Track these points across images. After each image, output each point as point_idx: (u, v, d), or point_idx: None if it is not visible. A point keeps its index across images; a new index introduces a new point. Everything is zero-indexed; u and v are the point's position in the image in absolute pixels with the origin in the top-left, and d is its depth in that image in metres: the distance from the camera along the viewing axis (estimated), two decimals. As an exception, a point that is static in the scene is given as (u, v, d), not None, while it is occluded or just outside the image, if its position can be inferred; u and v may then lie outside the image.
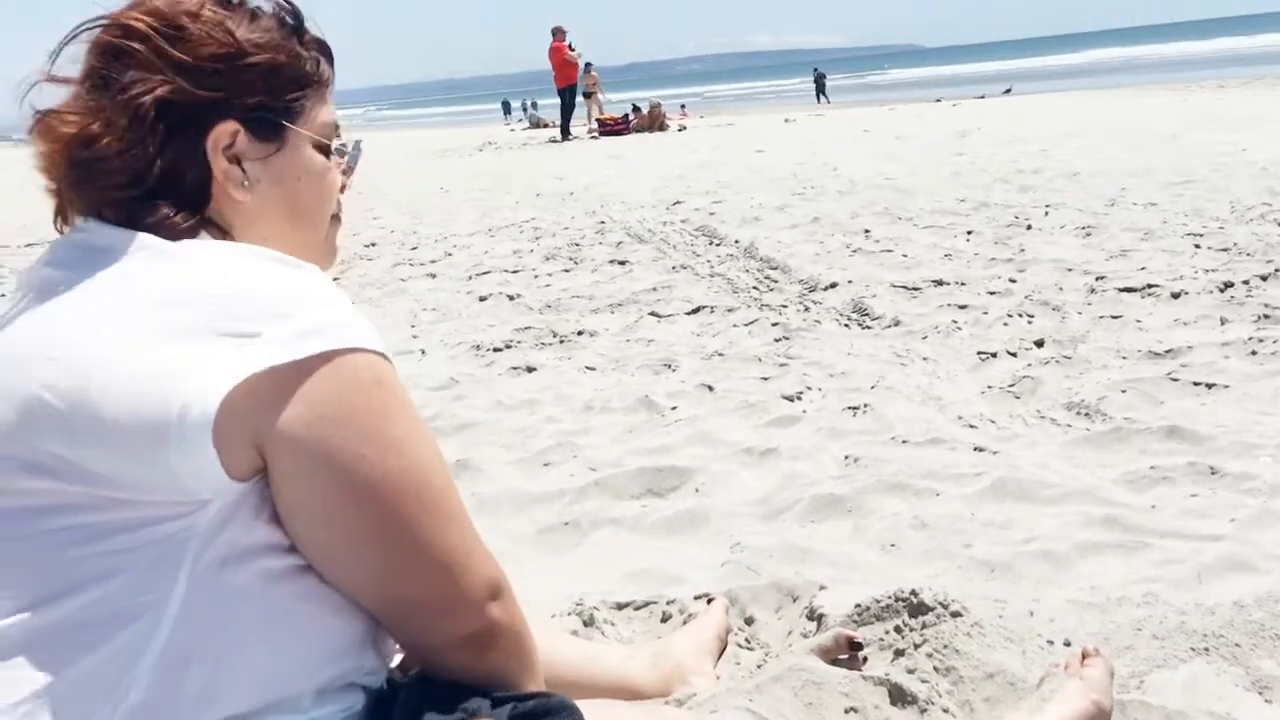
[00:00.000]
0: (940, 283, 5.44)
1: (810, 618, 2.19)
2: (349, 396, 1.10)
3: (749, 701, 1.76)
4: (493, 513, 2.92)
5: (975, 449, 3.16)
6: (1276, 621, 2.07)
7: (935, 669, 1.91)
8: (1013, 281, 5.36)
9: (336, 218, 1.39)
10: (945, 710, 1.83)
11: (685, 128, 24.15)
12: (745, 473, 3.15)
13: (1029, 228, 6.86)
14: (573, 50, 22.73)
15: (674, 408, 3.77)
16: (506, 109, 49.94)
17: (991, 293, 5.17)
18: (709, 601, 2.26)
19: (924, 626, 2.01)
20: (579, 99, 23.72)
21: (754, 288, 5.78)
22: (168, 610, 1.06)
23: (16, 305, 1.18)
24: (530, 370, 4.44)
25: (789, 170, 11.73)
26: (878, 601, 2.10)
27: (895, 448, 3.22)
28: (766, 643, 2.19)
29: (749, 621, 2.26)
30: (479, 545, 1.21)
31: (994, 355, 4.16)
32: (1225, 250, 5.62)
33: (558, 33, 22.63)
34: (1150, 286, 4.96)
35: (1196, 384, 3.61)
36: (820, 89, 42.69)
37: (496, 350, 4.81)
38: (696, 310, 5.32)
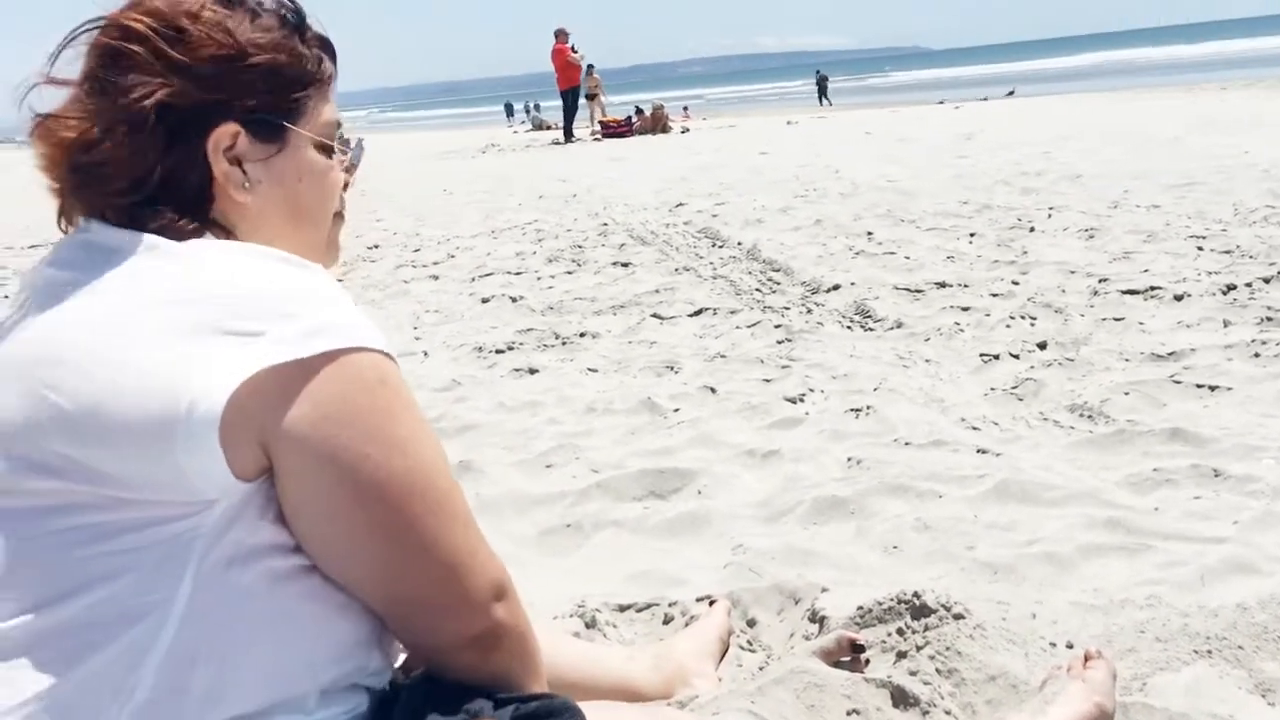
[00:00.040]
0: (943, 285, 5.44)
1: (812, 620, 2.19)
2: (354, 395, 1.10)
3: (751, 704, 1.76)
4: (494, 514, 2.92)
5: (978, 451, 3.16)
6: (1279, 624, 2.07)
7: (937, 671, 1.91)
8: (1015, 284, 5.36)
9: (340, 215, 1.39)
10: (947, 713, 1.82)
11: (688, 130, 24.15)
12: (747, 475, 3.15)
13: (1032, 230, 6.86)
14: (575, 52, 22.74)
15: (676, 409, 3.77)
16: (509, 111, 49.93)
17: (994, 295, 5.17)
18: (711, 603, 2.26)
19: (926, 629, 2.01)
20: (581, 101, 23.74)
21: (756, 290, 5.78)
22: (174, 610, 1.06)
23: (22, 306, 1.18)
24: (532, 372, 4.44)
25: (792, 172, 11.73)
26: (880, 604, 2.10)
27: (898, 450, 3.22)
28: (768, 645, 2.19)
29: (751, 623, 2.26)
30: (483, 546, 1.21)
31: (996, 357, 4.15)
32: (1228, 253, 5.62)
33: (560, 35, 22.64)
34: (1153, 289, 4.96)
35: (1199, 386, 3.60)
36: (822, 91, 42.68)
37: (499, 352, 4.81)
38: (699, 312, 5.32)
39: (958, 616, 2.01)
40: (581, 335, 5.01)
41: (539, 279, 6.59)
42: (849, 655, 1.98)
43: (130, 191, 1.18)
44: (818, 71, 47.24)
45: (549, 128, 29.18)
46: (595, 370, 4.42)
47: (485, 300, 6.03)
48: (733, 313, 5.25)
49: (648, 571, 2.57)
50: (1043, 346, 4.24)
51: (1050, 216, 7.30)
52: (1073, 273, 5.48)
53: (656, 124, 23.58)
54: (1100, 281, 5.21)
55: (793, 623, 2.23)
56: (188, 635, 1.07)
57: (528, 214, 9.91)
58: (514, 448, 3.52)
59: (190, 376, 1.04)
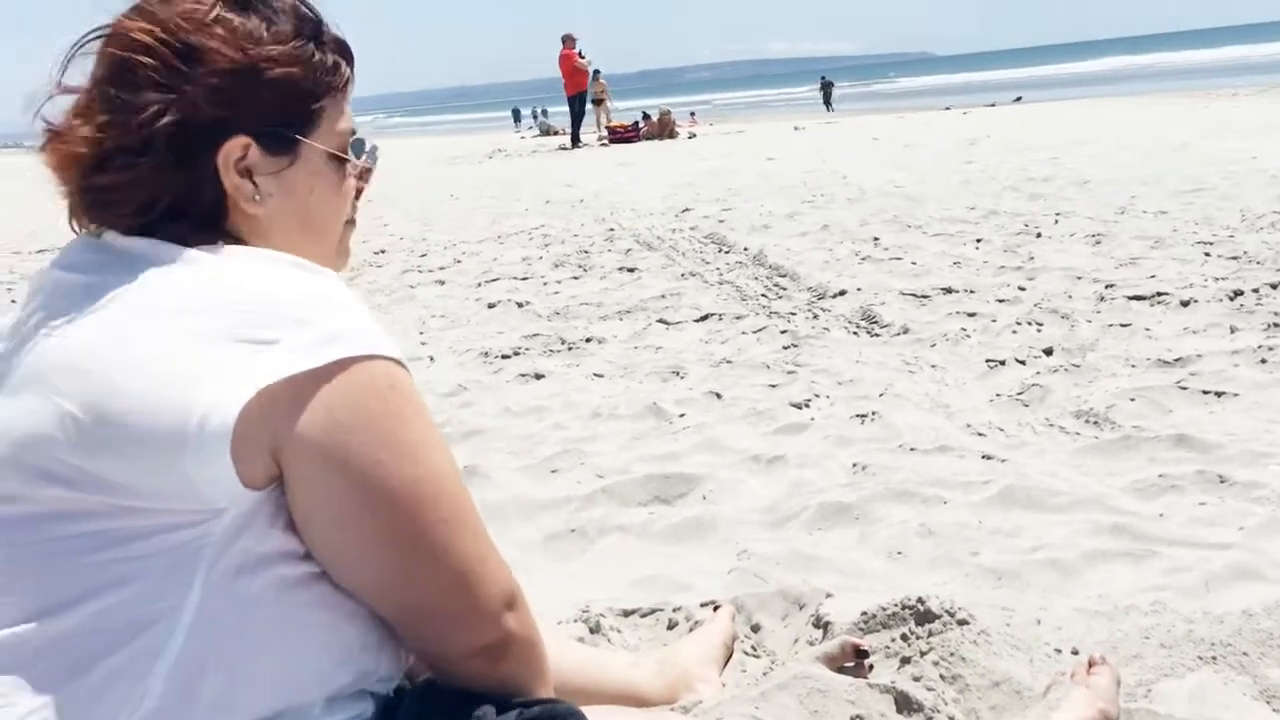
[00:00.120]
0: (949, 290, 5.44)
1: (817, 625, 2.19)
2: (366, 403, 1.09)
3: (754, 709, 1.76)
4: (500, 519, 2.92)
5: (983, 457, 3.16)
6: (1285, 630, 2.06)
7: (941, 677, 1.91)
8: (1022, 289, 5.35)
9: (351, 222, 1.37)
10: (951, 718, 1.82)
11: (695, 135, 24.18)
12: (753, 480, 3.15)
13: (1039, 236, 6.85)
14: (582, 58, 22.79)
15: (682, 415, 3.77)
16: (516, 116, 50.04)
17: (1000, 300, 5.16)
18: (715, 609, 2.25)
19: (930, 634, 2.00)
20: (588, 106, 23.77)
21: (763, 295, 5.78)
22: (182, 618, 1.06)
23: (32, 310, 1.16)
24: (538, 377, 4.45)
25: (799, 178, 11.74)
26: (884, 609, 2.09)
27: (903, 455, 3.21)
28: (773, 650, 2.19)
29: (755, 629, 2.26)
30: (494, 554, 1.21)
31: (1003, 363, 4.15)
32: (1235, 258, 5.61)
33: (567, 40, 22.70)
34: (1160, 295, 4.95)
35: (1205, 392, 3.60)
36: (827, 97, 42.69)
37: (505, 357, 4.82)
38: (705, 317, 5.32)
39: (962, 622, 2.00)
40: (587, 340, 5.01)
41: (545, 284, 6.60)
42: (853, 661, 1.98)
43: (142, 213, 1.17)
44: (823, 77, 47.26)
45: (556, 133, 29.24)
46: (601, 375, 4.42)
47: (491, 305, 6.04)
48: (739, 318, 5.25)
49: (652, 577, 2.57)
50: (1049, 352, 4.24)
51: (1057, 222, 7.29)
52: (1079, 278, 5.47)
53: (663, 129, 23.61)
54: (1107, 287, 5.20)
55: (797, 628, 2.23)
56: (196, 643, 1.06)
57: (534, 219, 9.92)
58: (519, 453, 3.53)
59: (201, 388, 1.04)
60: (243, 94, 1.18)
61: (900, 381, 3.99)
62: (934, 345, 4.52)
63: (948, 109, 29.37)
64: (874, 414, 3.59)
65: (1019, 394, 3.78)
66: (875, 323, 4.95)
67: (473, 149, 25.35)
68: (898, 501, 2.86)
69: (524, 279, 6.82)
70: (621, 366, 4.53)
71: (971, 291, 5.39)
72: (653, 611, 2.35)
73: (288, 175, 1.24)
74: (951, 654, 1.94)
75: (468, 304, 6.19)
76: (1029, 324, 4.67)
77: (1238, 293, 4.85)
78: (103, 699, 1.05)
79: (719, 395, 3.96)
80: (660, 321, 5.31)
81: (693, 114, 33.20)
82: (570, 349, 4.89)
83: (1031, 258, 6.13)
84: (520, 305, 5.95)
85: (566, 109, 23.61)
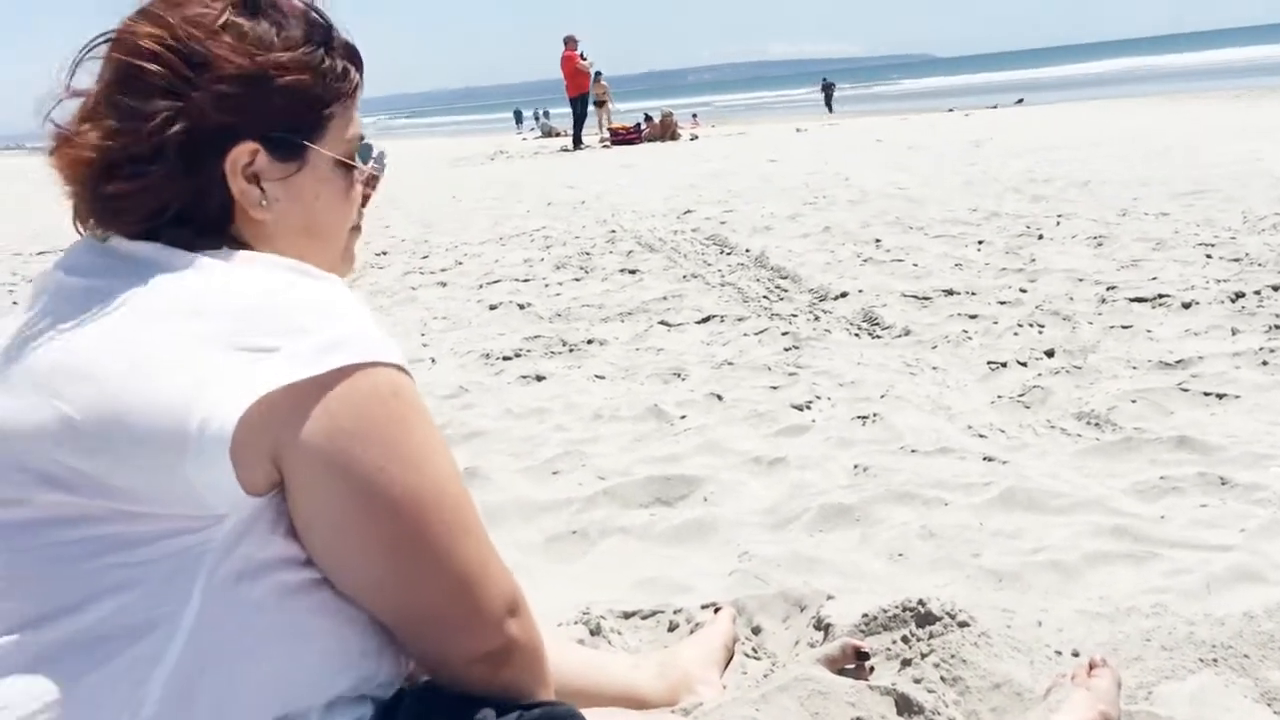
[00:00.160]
0: (951, 292, 5.44)
1: (817, 627, 2.19)
2: (369, 410, 1.09)
3: (755, 711, 1.76)
4: (501, 521, 2.92)
5: (984, 458, 3.16)
6: (1286, 633, 2.06)
7: (942, 679, 1.91)
8: (1023, 291, 5.35)
9: (356, 228, 1.37)
10: (952, 720, 1.82)
11: (697, 137, 24.20)
12: (754, 482, 3.15)
13: (1040, 237, 6.85)
14: (584, 59, 22.81)
15: (683, 416, 3.78)
16: (519, 118, 50.07)
17: (1002, 302, 5.16)
18: (716, 611, 2.26)
19: (931, 636, 2.00)
20: (590, 108, 23.78)
21: (764, 297, 5.78)
22: (182, 624, 1.06)
23: (33, 311, 1.16)
24: (540, 379, 4.45)
25: (800, 180, 11.74)
26: (885, 611, 2.09)
27: (904, 457, 3.21)
28: (773, 652, 2.19)
29: (756, 631, 2.26)
30: (496, 561, 1.20)
31: (1004, 365, 4.15)
32: (1237, 260, 5.61)
33: (569, 42, 22.72)
34: (1161, 296, 4.95)
35: (1207, 394, 3.60)
36: (828, 99, 42.72)
37: (506, 359, 4.82)
38: (706, 319, 5.32)
39: (963, 624, 2.00)
40: (589, 342, 5.01)
41: (547, 286, 6.60)
42: (854, 663, 1.98)
43: (150, 220, 1.16)
44: (824, 79, 47.30)
45: (558, 135, 29.25)
46: (602, 377, 4.43)
47: (493, 307, 6.04)
48: (740, 320, 5.25)
49: (653, 578, 2.57)
50: (1050, 354, 4.24)
51: (1059, 224, 7.29)
52: (1081, 280, 5.47)
53: (665, 131, 23.63)
54: (1108, 289, 5.20)
55: (798, 630, 2.23)
56: (196, 649, 1.06)
57: (536, 221, 9.92)
58: (521, 454, 3.53)
59: (202, 393, 1.03)
60: (251, 100, 1.17)
61: (901, 383, 3.99)
62: (935, 347, 4.52)
63: (950, 111, 29.37)
64: (875, 416, 3.59)
65: (1020, 396, 3.78)
66: (877, 324, 4.95)
67: (475, 150, 25.36)
68: (899, 503, 2.86)
69: (526, 281, 6.83)
70: (623, 368, 4.53)
71: (973, 293, 5.39)
72: (654, 613, 2.35)
73: (295, 181, 1.23)
74: (952, 656, 1.94)
75: (469, 306, 6.19)
76: (1030, 326, 4.67)
77: (1239, 295, 4.84)
78: (101, 705, 1.05)
79: (720, 397, 3.96)
80: (662, 323, 5.31)
81: (694, 116, 33.22)
82: (572, 351, 4.89)
83: (1033, 260, 6.13)
84: (522, 307, 5.95)
85: (568, 110, 23.62)
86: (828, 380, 4.08)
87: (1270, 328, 4.33)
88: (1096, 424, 3.43)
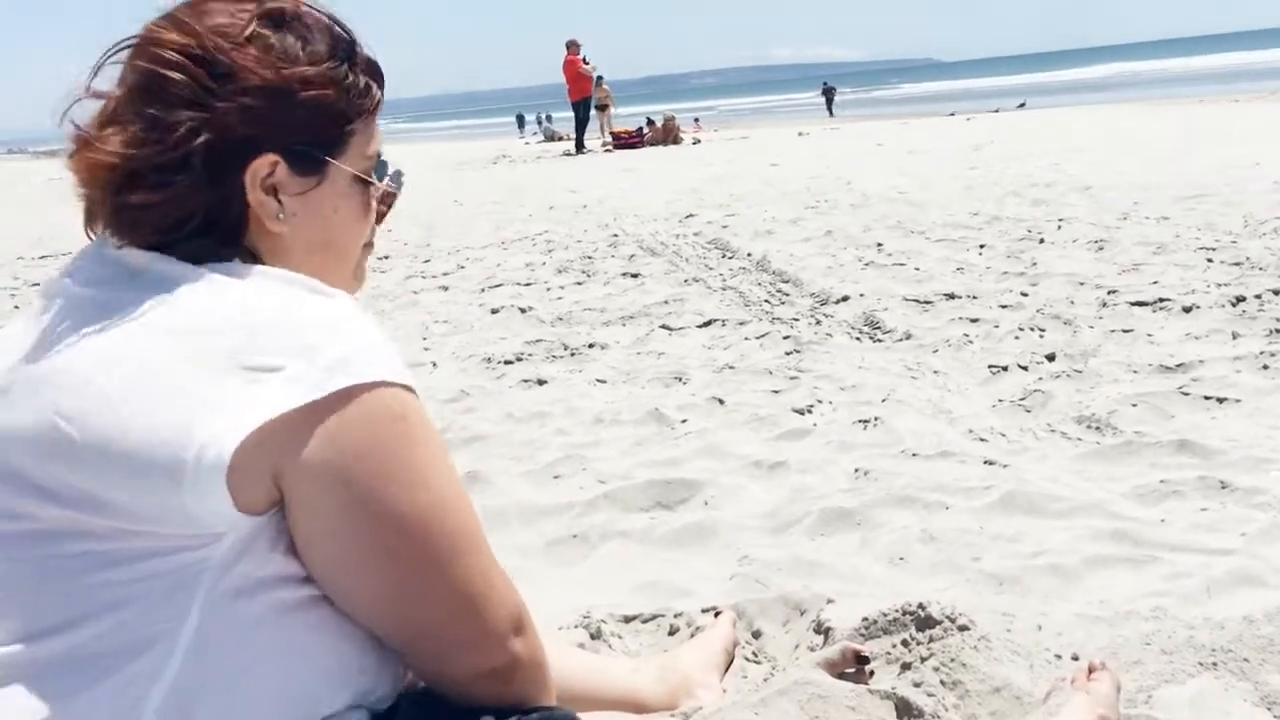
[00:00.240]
0: (952, 296, 5.44)
1: (817, 631, 2.19)
2: (375, 431, 1.08)
3: (755, 715, 1.76)
4: (501, 525, 2.93)
5: (985, 462, 3.16)
6: (1286, 637, 2.06)
7: (942, 683, 1.91)
8: (1024, 295, 5.36)
9: (369, 244, 1.36)
10: (951, 724, 1.82)
11: (699, 141, 24.22)
12: (754, 486, 3.15)
13: (1041, 241, 6.85)
14: (587, 64, 22.82)
15: (684, 420, 3.78)
16: (521, 122, 50.06)
17: (1003, 306, 5.16)
18: (716, 615, 2.26)
19: (931, 640, 2.00)
20: (592, 112, 23.80)
21: (766, 301, 5.78)
22: (180, 640, 1.06)
23: (40, 321, 1.16)
24: (541, 383, 4.45)
25: (802, 184, 11.75)
26: (885, 615, 2.09)
27: (905, 461, 3.22)
28: (773, 656, 2.19)
29: (756, 635, 2.26)
30: (501, 578, 1.20)
31: (1005, 369, 4.15)
32: (1237, 264, 5.61)
33: (572, 46, 22.74)
34: (1162, 300, 4.95)
35: (1207, 398, 3.60)
36: (829, 102, 42.75)
37: (507, 363, 4.82)
38: (708, 323, 5.33)
39: (963, 628, 2.00)
40: (590, 346, 5.01)
41: (548, 290, 6.61)
42: (854, 667, 1.98)
43: (169, 232, 1.15)
44: (824, 83, 47.33)
45: (560, 139, 29.27)
46: (604, 381, 4.43)
47: (494, 311, 6.04)
48: (741, 324, 5.25)
49: (654, 582, 2.58)
50: (1051, 358, 4.24)
51: (1060, 228, 7.29)
52: (1082, 284, 5.47)
53: (668, 135, 23.64)
54: (1109, 293, 5.20)
55: (798, 634, 2.24)
56: (194, 666, 1.06)
57: (538, 225, 9.93)
58: (521, 458, 3.53)
59: (200, 421, 1.03)
60: (275, 113, 1.17)
61: (902, 387, 3.99)
62: (936, 351, 4.52)
63: (952, 115, 29.39)
64: (876, 419, 3.59)
65: (1021, 399, 3.78)
66: (878, 328, 4.95)
67: (477, 155, 25.38)
68: (899, 507, 2.86)
69: (527, 284, 6.83)
70: (624, 372, 4.54)
71: (974, 297, 5.39)
72: (654, 617, 2.35)
73: (314, 195, 1.23)
74: (952, 660, 1.94)
75: (471, 309, 6.19)
76: (1031, 329, 4.67)
77: (1240, 299, 4.85)
78: None
79: (721, 401, 3.97)
80: (663, 327, 5.31)
81: (697, 120, 33.22)
82: (573, 354, 4.90)
83: (1034, 263, 6.13)
84: (523, 311, 5.96)
85: (571, 115, 23.64)
86: (829, 384, 4.08)
87: (1271, 332, 4.33)
88: (1097, 428, 3.44)
